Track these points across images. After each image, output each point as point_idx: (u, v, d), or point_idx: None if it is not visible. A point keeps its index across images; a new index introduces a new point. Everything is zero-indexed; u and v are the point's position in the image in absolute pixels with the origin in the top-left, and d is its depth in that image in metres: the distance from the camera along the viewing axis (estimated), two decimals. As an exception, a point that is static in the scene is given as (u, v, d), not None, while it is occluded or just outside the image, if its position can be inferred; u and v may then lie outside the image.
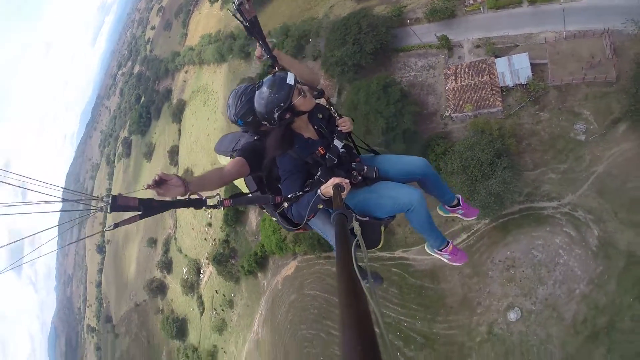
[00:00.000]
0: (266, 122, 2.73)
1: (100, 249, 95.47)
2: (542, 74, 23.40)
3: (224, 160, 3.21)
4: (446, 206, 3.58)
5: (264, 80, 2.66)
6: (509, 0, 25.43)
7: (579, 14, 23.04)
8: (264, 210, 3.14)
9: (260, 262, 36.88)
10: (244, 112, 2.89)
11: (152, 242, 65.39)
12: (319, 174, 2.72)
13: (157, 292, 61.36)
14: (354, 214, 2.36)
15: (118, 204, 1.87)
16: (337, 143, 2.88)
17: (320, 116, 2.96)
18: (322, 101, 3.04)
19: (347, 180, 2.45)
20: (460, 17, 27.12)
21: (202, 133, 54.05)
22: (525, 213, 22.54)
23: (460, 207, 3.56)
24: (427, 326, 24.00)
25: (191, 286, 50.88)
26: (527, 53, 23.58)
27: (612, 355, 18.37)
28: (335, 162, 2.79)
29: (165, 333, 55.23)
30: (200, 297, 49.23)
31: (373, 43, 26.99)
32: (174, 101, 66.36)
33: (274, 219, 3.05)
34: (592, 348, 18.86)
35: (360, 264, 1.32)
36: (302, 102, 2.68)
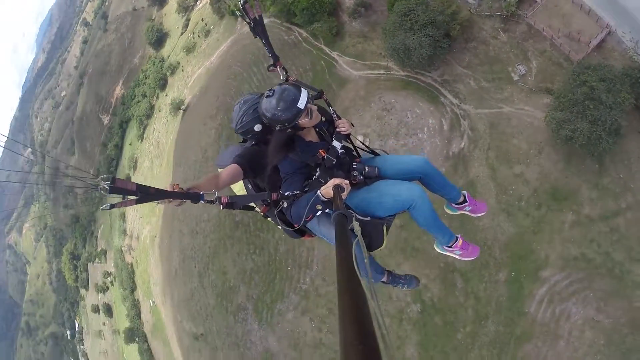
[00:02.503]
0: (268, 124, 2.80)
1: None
2: (527, 6, 24.23)
3: None
4: (453, 204, 3.57)
5: (276, 89, 2.66)
6: None
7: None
8: (268, 218, 3.11)
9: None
10: (246, 130, 2.93)
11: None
12: (317, 174, 2.79)
13: (156, 1, 66.94)
14: (354, 214, 2.36)
15: (116, 186, 1.94)
16: (336, 144, 2.93)
17: (323, 119, 3.01)
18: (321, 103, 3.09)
19: (347, 181, 2.52)
20: None
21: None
22: (428, 86, 25.62)
23: (467, 203, 3.55)
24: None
25: (185, 8, 56.24)
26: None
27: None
28: (334, 162, 2.83)
29: (146, 38, 63.19)
30: (188, 19, 55.41)
31: None
32: None
33: (279, 227, 3.05)
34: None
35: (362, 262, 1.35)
36: (306, 122, 2.74)
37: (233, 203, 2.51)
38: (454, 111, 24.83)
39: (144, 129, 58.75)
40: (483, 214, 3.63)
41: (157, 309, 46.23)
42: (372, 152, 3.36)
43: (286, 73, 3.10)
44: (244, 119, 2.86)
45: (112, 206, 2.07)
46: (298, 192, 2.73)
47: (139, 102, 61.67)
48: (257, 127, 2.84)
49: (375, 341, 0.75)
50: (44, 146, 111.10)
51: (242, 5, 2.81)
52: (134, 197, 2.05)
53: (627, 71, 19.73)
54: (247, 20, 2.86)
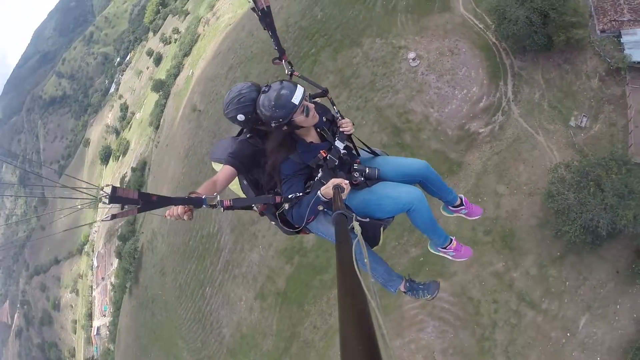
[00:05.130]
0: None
1: None
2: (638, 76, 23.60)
3: (219, 167, 3.35)
4: (449, 207, 3.80)
5: (272, 85, 2.78)
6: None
7: None
8: (264, 216, 3.26)
9: None
10: (230, 118, 3.06)
11: None
12: (319, 175, 2.88)
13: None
14: (354, 215, 2.46)
15: (117, 195, 1.98)
16: (339, 144, 3.04)
17: (325, 119, 3.11)
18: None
19: (347, 182, 2.66)
20: None
21: None
22: (500, 64, 26.51)
23: (463, 207, 3.77)
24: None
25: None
26: None
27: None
28: (336, 163, 2.95)
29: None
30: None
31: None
32: None
33: (273, 222, 3.20)
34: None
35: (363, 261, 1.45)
36: (303, 120, 2.83)
37: (234, 205, 2.63)
38: (501, 101, 25.71)
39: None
40: (478, 217, 3.84)
41: (190, 80, 54.82)
42: (373, 152, 3.49)
43: (291, 67, 3.23)
44: (229, 107, 3.00)
45: (114, 216, 2.14)
46: (300, 194, 2.84)
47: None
48: (240, 117, 2.98)
49: (375, 341, 0.77)
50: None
51: None
52: (136, 206, 2.11)
53: None
54: (257, 11, 2.98)
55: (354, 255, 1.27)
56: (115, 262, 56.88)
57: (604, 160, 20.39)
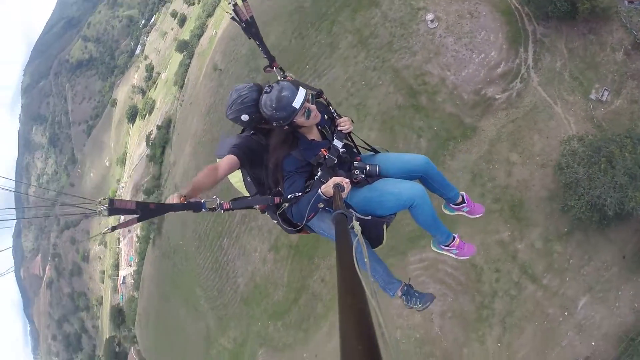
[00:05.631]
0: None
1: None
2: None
3: None
4: (451, 204, 3.78)
5: (274, 86, 2.81)
6: None
7: None
8: (265, 213, 3.31)
9: None
10: (234, 118, 3.12)
11: None
12: (319, 174, 2.91)
13: None
14: (354, 214, 2.53)
15: (115, 207, 2.06)
16: (337, 143, 3.08)
17: (326, 117, 3.16)
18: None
19: (348, 180, 2.69)
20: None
21: None
22: (522, 30, 26.23)
23: (465, 204, 3.75)
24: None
25: None
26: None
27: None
28: (335, 162, 2.98)
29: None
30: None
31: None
32: None
33: (275, 221, 3.23)
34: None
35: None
36: (303, 121, 2.88)
37: (234, 205, 2.76)
38: (520, 67, 25.47)
39: None
40: (480, 215, 3.82)
41: (214, 39, 55.60)
42: (373, 149, 3.50)
43: (283, 73, 3.31)
44: (232, 108, 3.07)
45: (114, 228, 2.16)
46: (300, 193, 2.88)
47: None
48: (244, 117, 3.03)
49: (375, 341, 0.78)
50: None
51: (233, 7, 2.98)
52: (134, 216, 2.19)
53: None
54: (240, 22, 3.03)
55: (354, 255, 1.28)
56: (135, 201, 60.65)
57: (619, 137, 19.96)
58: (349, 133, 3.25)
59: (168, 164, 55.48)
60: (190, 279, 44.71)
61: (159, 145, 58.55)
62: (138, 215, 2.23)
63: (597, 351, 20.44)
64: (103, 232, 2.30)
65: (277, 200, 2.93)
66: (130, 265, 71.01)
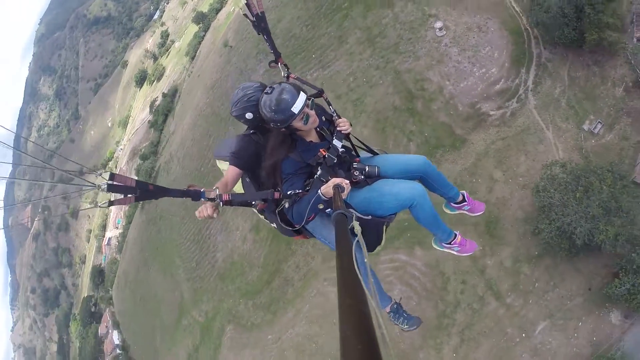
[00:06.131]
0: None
1: None
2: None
3: (223, 165, 3.49)
4: (451, 204, 3.83)
5: (275, 88, 2.81)
6: None
7: None
8: (263, 216, 3.33)
9: None
10: (238, 116, 3.18)
11: None
12: (318, 173, 2.92)
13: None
14: (354, 214, 2.50)
15: (115, 183, 2.07)
16: (337, 143, 3.11)
17: (324, 118, 3.20)
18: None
19: (347, 181, 2.69)
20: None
21: None
22: (527, 52, 26.76)
23: (465, 203, 3.80)
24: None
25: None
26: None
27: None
28: (334, 161, 3.00)
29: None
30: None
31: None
32: None
33: (273, 225, 3.24)
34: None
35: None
36: (301, 126, 2.90)
37: (233, 200, 2.75)
38: (518, 88, 26.14)
39: None
40: (481, 213, 3.86)
41: (231, 16, 55.40)
42: (371, 151, 3.55)
43: (287, 70, 3.32)
44: (238, 105, 3.10)
45: (111, 203, 2.17)
46: (300, 191, 2.88)
47: None
48: (249, 115, 3.09)
49: (375, 341, 0.79)
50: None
51: (245, 2, 3.04)
52: (132, 195, 2.18)
53: None
54: (251, 17, 3.08)
55: (354, 255, 1.28)
56: (135, 179, 61.79)
57: (601, 170, 20.37)
58: (348, 134, 3.27)
59: (168, 132, 56.26)
60: (172, 247, 45.72)
61: (162, 113, 59.20)
62: (136, 195, 2.25)
63: (550, 377, 20.65)
64: (100, 205, 2.28)
65: (277, 195, 2.92)
66: (117, 228, 72.10)
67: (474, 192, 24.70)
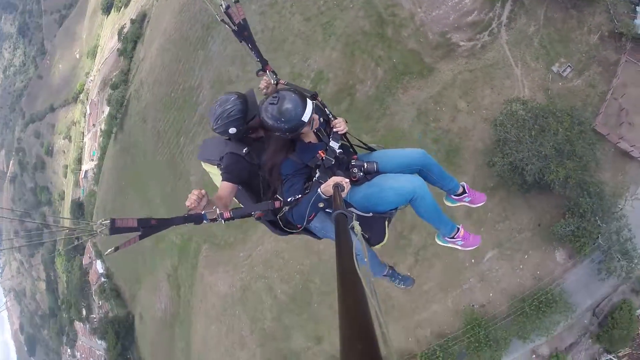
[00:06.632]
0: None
1: None
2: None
3: (209, 168, 3.46)
4: (452, 196, 3.78)
5: (280, 97, 2.77)
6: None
7: None
8: (259, 221, 3.29)
9: None
10: (221, 132, 3.15)
11: None
12: (317, 175, 2.94)
13: None
14: (354, 213, 2.50)
15: (116, 226, 2.08)
16: (334, 144, 3.10)
17: (322, 120, 3.18)
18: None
19: (347, 180, 2.71)
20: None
21: None
22: None
23: (466, 194, 3.75)
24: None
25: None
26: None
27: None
28: (332, 162, 3.01)
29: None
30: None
31: None
32: None
33: (270, 230, 3.23)
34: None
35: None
36: (307, 130, 2.92)
37: (234, 216, 2.75)
38: (491, 21, 25.83)
39: None
40: (482, 204, 3.84)
41: None
42: (369, 148, 3.53)
43: (276, 76, 3.31)
44: (218, 122, 3.10)
45: (117, 249, 2.25)
46: (299, 196, 2.90)
47: None
48: (232, 130, 3.10)
49: (375, 340, 0.79)
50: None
51: (224, 10, 2.93)
52: (137, 233, 2.21)
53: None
54: (232, 26, 2.99)
55: (354, 255, 1.29)
56: (107, 110, 60.31)
57: (560, 112, 20.79)
58: (344, 134, 3.28)
59: (138, 59, 54.39)
60: (147, 174, 46.52)
61: (131, 40, 56.69)
62: (140, 233, 2.28)
63: (492, 302, 23.08)
64: (107, 253, 2.37)
65: (277, 204, 2.94)
66: (92, 160, 71.72)
67: (438, 120, 25.70)
